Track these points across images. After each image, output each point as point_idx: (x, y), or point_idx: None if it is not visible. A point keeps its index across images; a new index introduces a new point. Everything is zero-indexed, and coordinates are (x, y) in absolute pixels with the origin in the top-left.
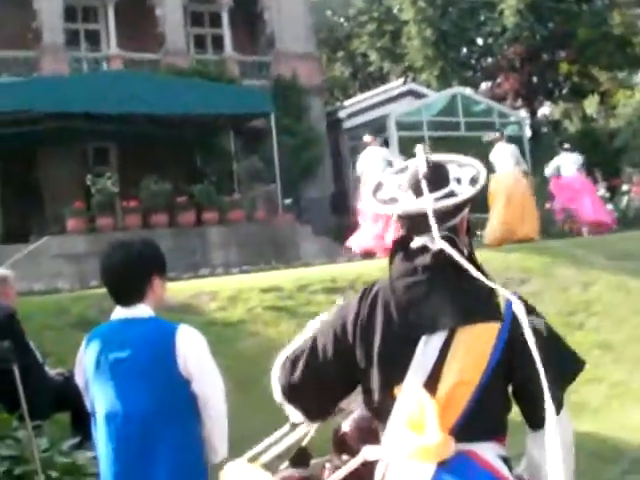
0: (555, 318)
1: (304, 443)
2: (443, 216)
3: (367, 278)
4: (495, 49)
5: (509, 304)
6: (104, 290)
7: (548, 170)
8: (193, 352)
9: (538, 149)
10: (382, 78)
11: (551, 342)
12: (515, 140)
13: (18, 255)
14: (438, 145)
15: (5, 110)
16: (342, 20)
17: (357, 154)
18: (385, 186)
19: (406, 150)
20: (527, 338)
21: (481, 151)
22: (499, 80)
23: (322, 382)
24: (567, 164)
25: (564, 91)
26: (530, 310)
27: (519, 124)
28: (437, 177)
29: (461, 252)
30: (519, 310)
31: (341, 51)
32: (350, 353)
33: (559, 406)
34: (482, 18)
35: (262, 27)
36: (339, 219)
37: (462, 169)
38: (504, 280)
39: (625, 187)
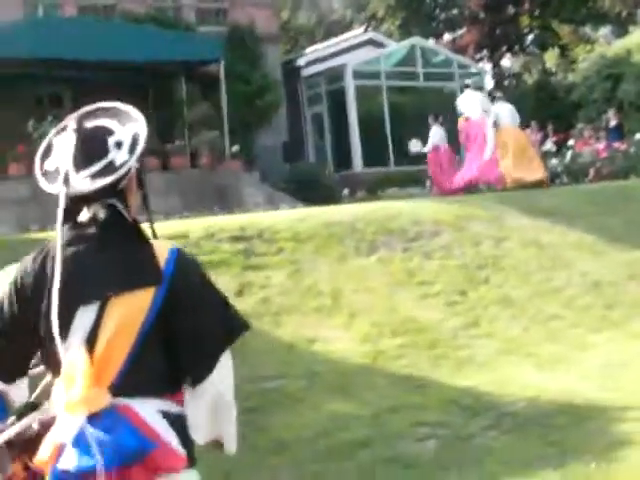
0: (461, 272)
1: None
2: (104, 189)
3: (276, 228)
4: (458, 0)
5: (169, 264)
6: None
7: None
8: None
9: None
10: (347, 26)
11: (215, 302)
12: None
13: None
14: (396, 95)
15: None
16: None
17: (315, 102)
18: (53, 150)
19: (364, 99)
20: (187, 297)
21: (440, 101)
22: (461, 32)
23: (7, 341)
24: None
25: (525, 44)
26: (194, 268)
27: (479, 75)
28: (93, 147)
29: (124, 219)
30: (179, 267)
31: None
32: (25, 311)
33: (212, 364)
34: None
35: None
36: (292, 167)
37: (125, 127)
38: (415, 233)
39: (571, 142)
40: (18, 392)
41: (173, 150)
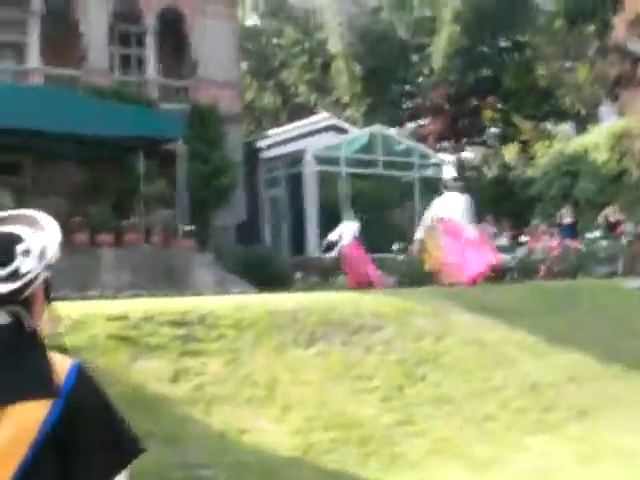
0: (400, 367)
1: None
2: (8, 295)
3: (218, 313)
4: (422, 90)
5: (69, 379)
6: None
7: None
8: None
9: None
10: (311, 110)
11: (109, 420)
12: (434, 182)
13: None
14: (356, 181)
15: None
16: (276, 49)
17: (272, 186)
18: None
19: (323, 185)
20: (83, 415)
21: (399, 190)
22: (425, 121)
23: None
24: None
25: (487, 137)
26: (94, 386)
27: (439, 166)
28: (1, 252)
29: (24, 328)
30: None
31: (272, 80)
32: None
33: None
34: (412, 58)
35: (187, 51)
36: (246, 249)
37: (34, 236)
38: (356, 326)
39: (524, 237)
40: None
41: (127, 226)
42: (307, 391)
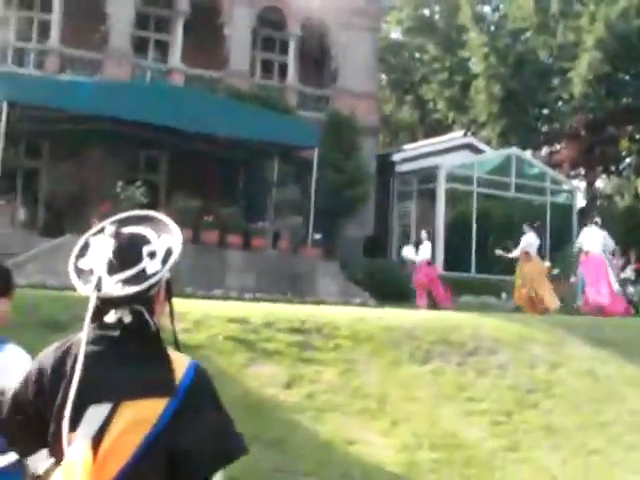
0: (511, 393)
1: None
2: (134, 295)
3: (336, 324)
4: (560, 115)
5: (186, 378)
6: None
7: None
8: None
9: (589, 221)
10: (448, 127)
11: (218, 421)
12: (565, 209)
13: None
14: (486, 202)
15: (63, 108)
16: (417, 64)
17: (405, 199)
18: (89, 250)
19: (454, 203)
20: (194, 413)
21: (528, 214)
22: (559, 146)
23: (23, 419)
24: (590, 240)
25: (621, 167)
26: (209, 386)
27: (571, 193)
28: (127, 254)
29: (148, 326)
30: (197, 383)
31: (412, 94)
32: (37, 399)
33: None
34: (552, 82)
35: (327, 61)
36: (371, 262)
37: (160, 239)
38: (472, 348)
39: None
40: (39, 463)
41: (256, 229)
42: (417, 408)
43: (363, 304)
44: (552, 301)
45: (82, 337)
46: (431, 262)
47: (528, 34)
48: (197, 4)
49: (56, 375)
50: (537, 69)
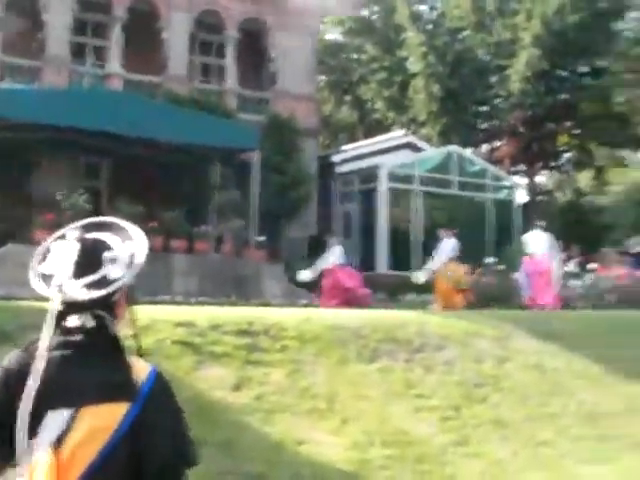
0: (459, 388)
1: None
2: (97, 300)
3: (282, 325)
4: (499, 112)
5: (147, 383)
6: (33, 304)
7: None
8: None
9: (531, 216)
10: (388, 127)
11: (176, 428)
12: (506, 205)
13: None
14: (428, 200)
15: (3, 116)
16: (355, 65)
17: (348, 200)
18: (51, 255)
19: (396, 202)
20: (155, 419)
21: (470, 211)
22: (499, 143)
23: None
24: (535, 242)
25: (561, 162)
26: (169, 392)
27: (512, 189)
28: (91, 259)
29: (109, 332)
30: (156, 388)
31: (350, 95)
32: (3, 404)
33: None
34: (491, 80)
35: (266, 64)
36: (314, 261)
37: (123, 244)
38: (419, 345)
39: (593, 265)
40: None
41: (199, 233)
42: (367, 406)
43: (308, 305)
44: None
45: (41, 341)
46: (346, 264)
47: (466, 33)
48: (134, 9)
49: (19, 381)
50: (475, 67)
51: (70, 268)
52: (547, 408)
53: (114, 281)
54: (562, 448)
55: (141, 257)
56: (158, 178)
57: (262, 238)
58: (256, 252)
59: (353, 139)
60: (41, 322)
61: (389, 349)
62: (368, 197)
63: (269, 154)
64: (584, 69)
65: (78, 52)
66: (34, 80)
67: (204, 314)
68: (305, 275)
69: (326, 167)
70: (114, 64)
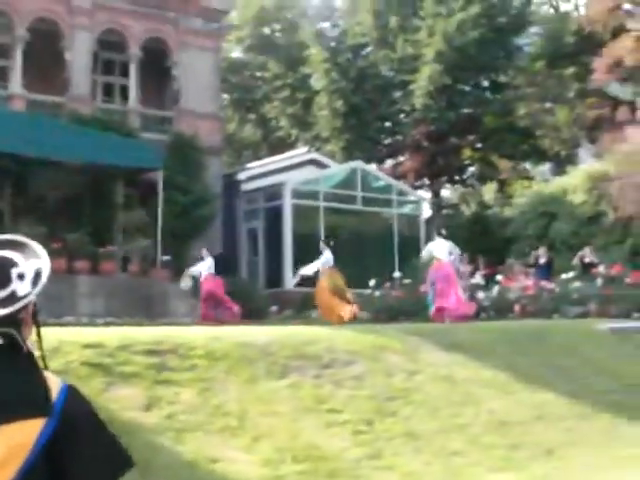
0: (370, 402)
1: None
2: (5, 317)
3: (191, 344)
4: (403, 127)
5: (60, 397)
6: None
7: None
8: None
9: (436, 230)
10: (292, 144)
11: (100, 437)
12: (412, 219)
13: None
14: (333, 216)
15: None
16: (259, 82)
17: (253, 217)
18: None
19: (301, 218)
20: (75, 432)
21: (376, 226)
22: (403, 158)
23: None
24: (438, 249)
25: (465, 175)
26: (84, 404)
27: (417, 203)
28: None
29: (19, 348)
30: (72, 403)
31: (254, 113)
32: None
33: None
34: (394, 95)
35: (169, 83)
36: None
37: (28, 262)
38: (329, 360)
39: (499, 277)
40: None
41: (104, 254)
42: (278, 422)
43: (217, 324)
44: (347, 311)
45: None
46: (215, 275)
47: (369, 49)
48: (37, 29)
49: None
50: (379, 83)
51: None
52: (458, 419)
53: (22, 297)
54: (473, 457)
55: (46, 274)
56: (62, 199)
57: (167, 257)
58: (162, 272)
59: (257, 157)
60: None
61: (298, 365)
62: (273, 214)
63: (173, 173)
64: (486, 83)
65: None
66: None
67: (112, 335)
68: (186, 283)
69: (231, 185)
70: (16, 84)
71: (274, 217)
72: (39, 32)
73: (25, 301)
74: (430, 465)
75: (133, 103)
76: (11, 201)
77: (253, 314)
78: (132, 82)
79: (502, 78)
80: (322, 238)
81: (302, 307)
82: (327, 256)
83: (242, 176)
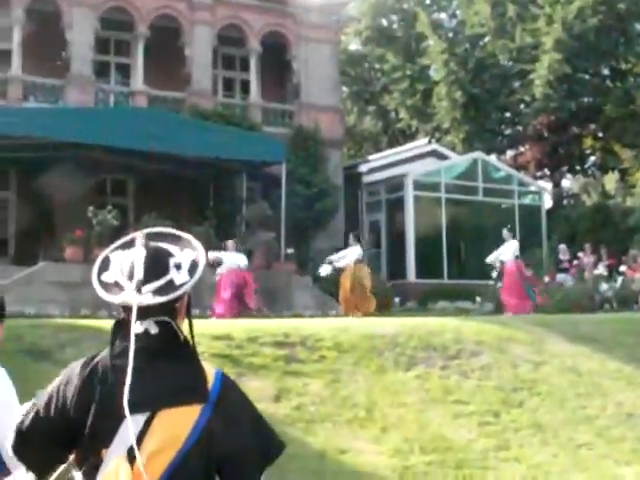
0: (497, 393)
1: None
2: (161, 306)
3: (319, 336)
4: (523, 118)
5: (216, 385)
6: (69, 321)
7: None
8: None
9: (557, 220)
10: (412, 135)
11: (253, 424)
12: (533, 209)
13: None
14: (454, 207)
15: (28, 135)
16: (378, 74)
17: (374, 209)
18: (112, 264)
19: (422, 210)
20: (229, 419)
21: (497, 217)
22: (524, 148)
23: (44, 440)
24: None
25: (586, 165)
26: (237, 391)
27: (538, 194)
28: (156, 266)
29: (177, 336)
30: (226, 388)
31: (373, 105)
32: (61, 421)
33: None
34: (513, 85)
35: (289, 76)
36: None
37: (183, 252)
38: (455, 351)
39: (622, 268)
40: None
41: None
42: (406, 413)
43: (339, 316)
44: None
45: (130, 350)
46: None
47: (486, 39)
48: (157, 26)
49: (84, 392)
50: (497, 73)
51: (138, 274)
52: (585, 410)
53: (180, 286)
54: (601, 450)
55: (202, 265)
56: (185, 193)
57: (291, 250)
58: (286, 264)
59: (377, 149)
60: (78, 338)
61: (425, 356)
62: (395, 206)
63: (295, 166)
64: (606, 71)
65: (102, 70)
66: (58, 99)
67: (240, 326)
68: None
69: (352, 177)
70: (138, 81)
71: (396, 209)
72: (159, 29)
73: (182, 290)
74: (557, 457)
75: (254, 97)
76: (135, 197)
77: (377, 306)
78: (253, 76)
79: (623, 65)
80: (351, 232)
81: (425, 299)
82: (357, 251)
83: (363, 168)
